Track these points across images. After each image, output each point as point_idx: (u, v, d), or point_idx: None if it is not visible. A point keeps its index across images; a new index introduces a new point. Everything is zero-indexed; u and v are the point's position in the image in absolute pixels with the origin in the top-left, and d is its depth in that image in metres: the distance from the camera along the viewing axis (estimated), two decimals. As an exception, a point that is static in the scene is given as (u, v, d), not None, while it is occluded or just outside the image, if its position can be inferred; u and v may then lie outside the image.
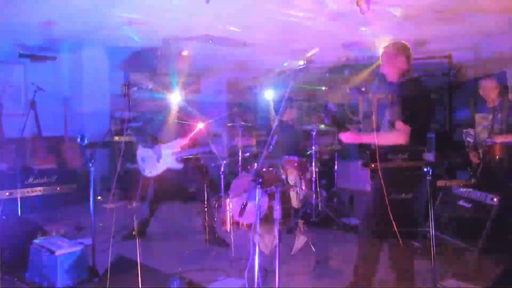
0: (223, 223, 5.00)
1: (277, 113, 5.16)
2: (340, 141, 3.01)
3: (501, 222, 3.82)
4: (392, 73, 2.96)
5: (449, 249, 3.94)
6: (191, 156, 4.43)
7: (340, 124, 2.99)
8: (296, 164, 5.33)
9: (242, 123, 5.69)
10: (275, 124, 4.35)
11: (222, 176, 5.32)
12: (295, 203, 5.13)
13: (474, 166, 4.39)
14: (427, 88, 2.96)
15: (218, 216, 4.92)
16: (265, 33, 5.83)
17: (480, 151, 4.27)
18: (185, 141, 4.37)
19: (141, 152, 4.55)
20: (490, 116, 4.31)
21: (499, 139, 4.12)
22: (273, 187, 2.35)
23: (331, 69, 7.13)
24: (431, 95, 2.99)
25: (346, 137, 2.89)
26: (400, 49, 2.93)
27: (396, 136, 2.69)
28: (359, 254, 2.99)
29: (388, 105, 2.89)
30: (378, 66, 6.14)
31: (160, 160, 4.40)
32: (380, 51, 2.99)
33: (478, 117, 4.51)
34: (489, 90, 4.36)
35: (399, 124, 2.67)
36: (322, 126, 5.45)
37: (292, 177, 5.26)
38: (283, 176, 5.22)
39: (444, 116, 6.30)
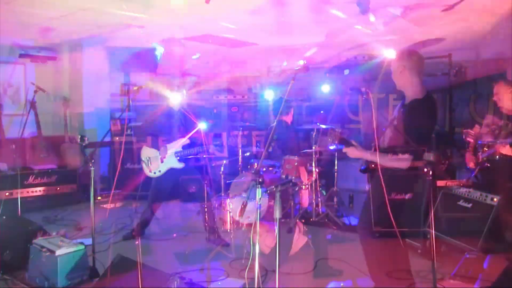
0: (223, 223, 5.00)
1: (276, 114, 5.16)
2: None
3: (501, 222, 3.81)
4: (399, 84, 2.90)
5: (449, 249, 3.94)
6: (191, 156, 4.43)
7: (347, 142, 2.95)
8: (296, 163, 5.33)
9: (242, 122, 5.69)
10: (274, 124, 4.35)
11: (222, 176, 5.32)
12: (305, 202, 5.13)
13: (471, 168, 4.34)
14: (435, 103, 2.86)
15: (218, 216, 4.92)
16: (265, 33, 5.84)
17: (480, 153, 4.20)
18: (186, 140, 4.37)
19: (146, 152, 4.54)
20: (500, 122, 4.17)
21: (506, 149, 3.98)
22: (273, 187, 2.35)
23: (331, 69, 7.13)
24: (436, 104, 2.92)
25: (351, 153, 2.87)
26: (408, 60, 2.82)
27: (400, 163, 2.66)
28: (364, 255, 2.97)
29: (394, 125, 2.84)
30: (377, 66, 6.18)
31: (164, 160, 4.40)
32: (388, 53, 2.93)
33: (488, 118, 4.33)
34: (504, 94, 4.19)
35: (405, 156, 2.64)
36: (323, 125, 5.44)
37: (303, 177, 5.24)
38: (292, 177, 5.19)
39: (444, 116, 6.30)
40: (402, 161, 2.64)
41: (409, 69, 2.79)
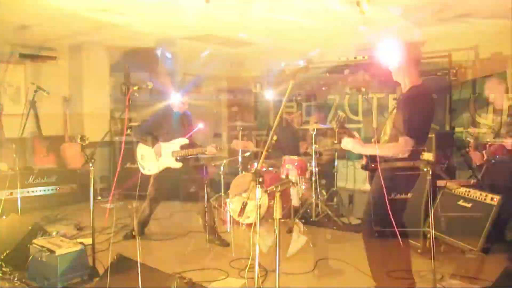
0: (223, 223, 5.01)
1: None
2: (340, 141, 2.98)
3: (501, 222, 3.81)
4: (396, 76, 2.93)
5: (449, 249, 3.94)
6: (190, 156, 4.43)
7: (347, 131, 2.96)
8: (296, 163, 5.34)
9: (242, 122, 5.70)
10: (275, 124, 4.35)
11: (222, 176, 5.33)
12: (295, 201, 5.14)
13: (475, 167, 4.35)
14: (431, 92, 2.89)
15: (218, 216, 4.92)
16: (265, 33, 5.83)
17: (484, 152, 4.20)
18: (184, 140, 4.37)
19: (141, 150, 4.56)
20: (498, 118, 4.21)
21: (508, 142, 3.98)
22: (273, 187, 2.35)
23: (331, 69, 7.13)
24: (433, 96, 2.94)
25: (349, 145, 2.86)
26: (405, 52, 2.86)
27: (399, 149, 2.67)
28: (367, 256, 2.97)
29: (393, 115, 2.85)
30: (377, 66, 6.17)
31: (159, 159, 4.41)
32: (388, 50, 2.92)
33: (483, 117, 4.39)
34: (495, 90, 4.25)
35: (404, 139, 2.65)
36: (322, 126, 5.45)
37: (292, 175, 5.26)
38: (283, 175, 5.23)
39: (444, 116, 6.29)
40: (402, 148, 2.64)
41: (406, 59, 2.83)
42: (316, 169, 5.28)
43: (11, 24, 5.37)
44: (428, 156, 4.55)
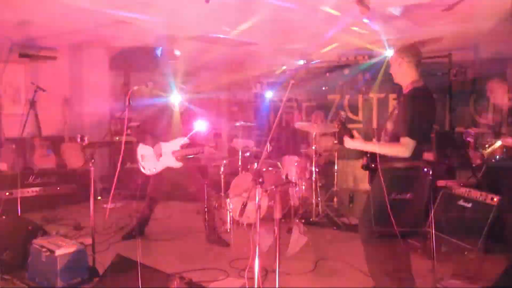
0: (223, 223, 5.01)
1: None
2: (340, 141, 2.98)
3: (501, 222, 3.82)
4: (397, 77, 2.93)
5: (449, 249, 3.94)
6: (191, 156, 4.42)
7: (347, 129, 2.96)
8: (296, 163, 5.34)
9: (242, 122, 5.69)
10: (275, 124, 4.35)
11: (222, 176, 5.33)
12: (294, 200, 5.14)
13: (475, 167, 4.35)
14: (432, 95, 2.88)
15: (218, 216, 4.92)
16: (265, 33, 5.83)
17: (484, 152, 4.21)
18: (185, 140, 4.36)
19: (141, 150, 4.55)
20: (498, 118, 4.22)
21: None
22: (273, 187, 2.35)
23: (331, 69, 7.13)
24: (434, 96, 2.93)
25: (350, 144, 2.87)
26: (406, 53, 2.86)
27: (401, 150, 2.67)
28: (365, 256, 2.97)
29: (394, 116, 2.85)
30: (377, 66, 6.18)
31: (159, 159, 4.40)
32: (388, 53, 2.94)
33: (484, 117, 4.41)
34: (497, 91, 4.26)
35: (405, 140, 2.65)
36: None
37: (291, 174, 5.27)
38: (283, 175, 5.24)
39: (444, 116, 6.30)
40: (404, 149, 2.64)
41: (407, 61, 2.82)
42: (316, 169, 5.28)
43: (12, 23, 5.37)
44: (428, 156, 4.55)
